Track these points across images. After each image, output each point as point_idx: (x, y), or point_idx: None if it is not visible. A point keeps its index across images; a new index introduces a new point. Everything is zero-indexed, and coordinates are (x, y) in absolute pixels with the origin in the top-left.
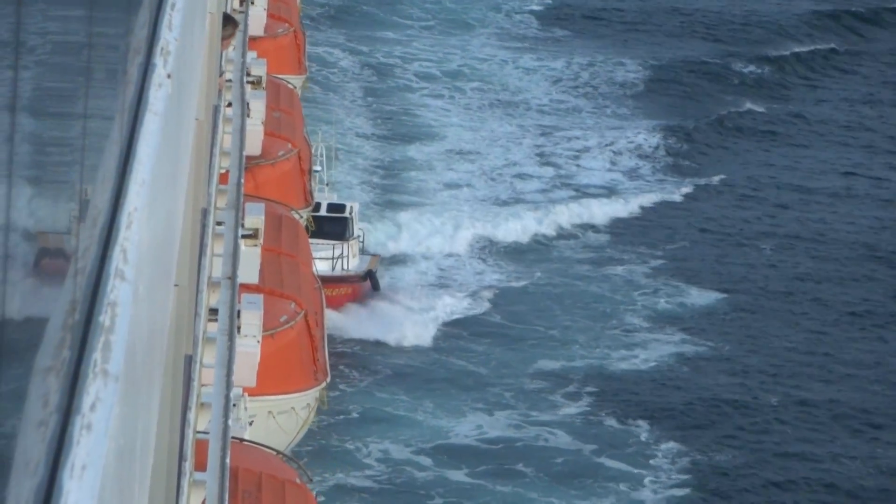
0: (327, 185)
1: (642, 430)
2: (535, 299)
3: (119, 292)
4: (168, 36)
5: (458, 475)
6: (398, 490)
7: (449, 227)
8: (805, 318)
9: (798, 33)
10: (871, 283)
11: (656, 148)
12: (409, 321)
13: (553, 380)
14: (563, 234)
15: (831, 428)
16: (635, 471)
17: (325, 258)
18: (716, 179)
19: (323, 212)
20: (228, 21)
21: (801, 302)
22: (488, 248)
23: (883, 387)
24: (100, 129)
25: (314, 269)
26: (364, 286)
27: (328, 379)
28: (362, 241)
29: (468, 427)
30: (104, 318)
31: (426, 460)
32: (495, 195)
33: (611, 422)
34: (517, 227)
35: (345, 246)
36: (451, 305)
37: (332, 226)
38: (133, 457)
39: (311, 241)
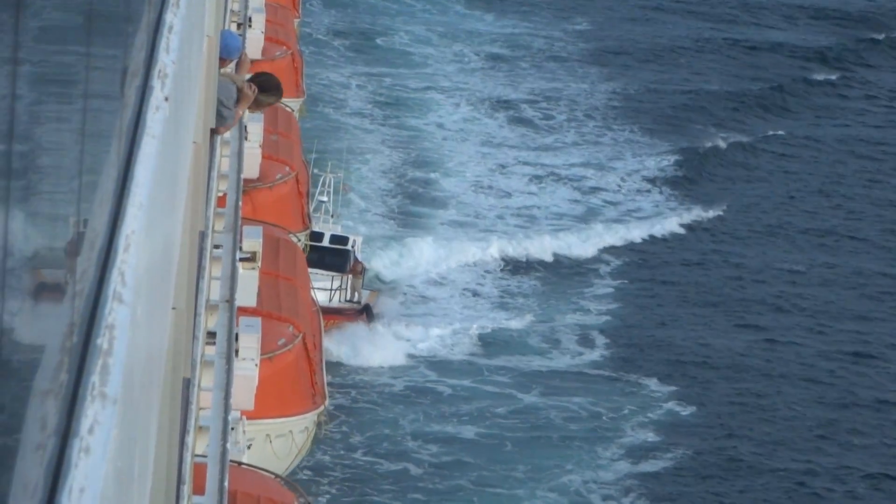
0: (332, 216)
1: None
2: (529, 326)
3: (117, 315)
4: (166, 59)
5: (456, 477)
6: None
7: (449, 254)
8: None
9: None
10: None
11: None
12: (404, 346)
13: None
14: (562, 262)
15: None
16: None
17: (323, 289)
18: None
19: (325, 242)
20: (274, 88)
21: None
22: (492, 274)
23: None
24: (97, 152)
25: (312, 293)
26: (360, 320)
27: (326, 402)
28: (362, 274)
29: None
30: (102, 340)
31: (426, 480)
32: (495, 224)
33: None
34: (517, 254)
35: (344, 278)
36: (450, 331)
37: (334, 258)
38: (131, 480)
39: (310, 270)
